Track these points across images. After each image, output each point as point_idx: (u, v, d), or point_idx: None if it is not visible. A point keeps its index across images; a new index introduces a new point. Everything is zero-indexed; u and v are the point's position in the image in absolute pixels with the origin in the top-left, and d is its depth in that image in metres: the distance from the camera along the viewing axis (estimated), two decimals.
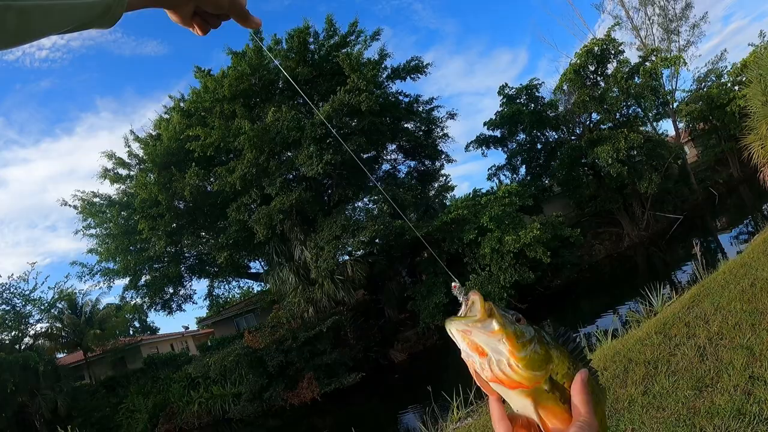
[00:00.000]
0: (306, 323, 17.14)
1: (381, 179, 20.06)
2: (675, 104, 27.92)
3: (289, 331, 17.12)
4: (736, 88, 25.24)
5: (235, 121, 17.88)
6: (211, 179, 18.11)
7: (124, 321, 28.60)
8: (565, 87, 21.73)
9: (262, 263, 21.30)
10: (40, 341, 23.68)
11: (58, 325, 23.92)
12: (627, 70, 21.75)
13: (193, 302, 22.19)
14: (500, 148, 22.82)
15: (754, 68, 11.64)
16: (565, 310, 18.33)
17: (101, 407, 20.78)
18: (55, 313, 23.87)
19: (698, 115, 27.68)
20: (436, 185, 21.80)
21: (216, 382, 18.71)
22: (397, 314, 18.86)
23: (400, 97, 20.58)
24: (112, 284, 21.78)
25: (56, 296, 23.56)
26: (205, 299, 23.43)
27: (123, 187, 20.83)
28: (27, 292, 22.83)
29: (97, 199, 20.89)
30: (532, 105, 21.77)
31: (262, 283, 23.74)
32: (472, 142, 23.13)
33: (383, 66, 19.39)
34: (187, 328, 34.79)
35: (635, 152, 20.95)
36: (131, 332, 35.64)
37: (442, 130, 21.52)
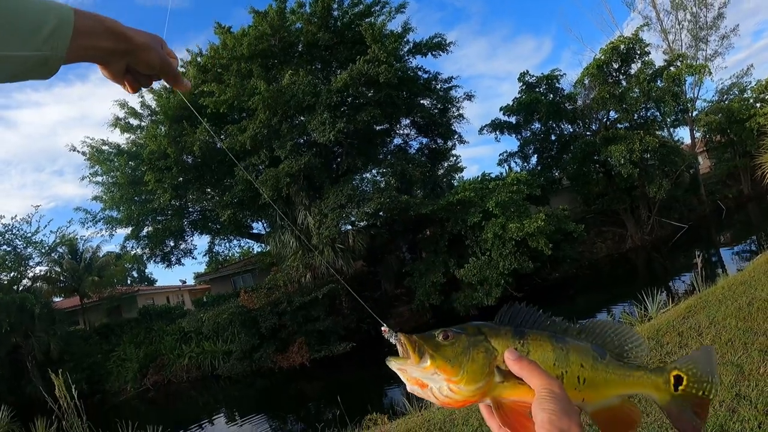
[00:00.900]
0: (302, 288, 17.24)
1: (392, 152, 19.98)
2: (694, 113, 27.60)
3: (285, 295, 17.23)
4: (758, 105, 24.94)
5: (251, 80, 17.73)
6: (222, 136, 18.04)
7: (123, 270, 28.65)
8: (586, 81, 21.44)
9: (265, 224, 21.35)
10: (38, 284, 23.75)
11: (57, 269, 24.06)
12: (650, 72, 21.45)
13: (193, 257, 22.36)
14: (514, 135, 22.67)
15: None
16: (561, 303, 18.37)
17: (93, 353, 20.97)
18: (55, 257, 23.96)
19: (716, 126, 27.33)
20: (445, 164, 21.66)
21: (208, 338, 18.89)
22: (393, 289, 18.93)
23: (419, 73, 20.36)
24: (114, 233, 21.85)
25: (57, 240, 23.62)
26: (204, 255, 23.64)
27: (133, 137, 20.78)
28: (29, 235, 22.80)
29: (106, 147, 20.85)
30: (551, 95, 21.53)
31: (263, 245, 23.75)
32: (486, 125, 23.01)
33: (405, 40, 19.10)
34: (184, 282, 35.07)
35: (649, 155, 20.78)
36: (129, 282, 35.92)
37: (457, 110, 21.36)
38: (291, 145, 17.09)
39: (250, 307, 17.46)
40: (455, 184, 20.43)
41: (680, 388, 0.70)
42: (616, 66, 21.62)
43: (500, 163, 23.67)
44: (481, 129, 23.23)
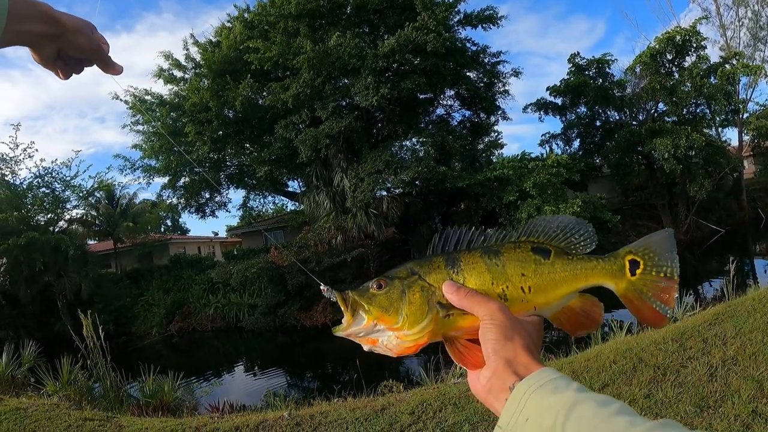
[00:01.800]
0: (332, 250, 17.40)
1: (433, 122, 19.78)
2: (745, 115, 26.49)
3: (315, 255, 17.43)
4: None
5: (297, 39, 17.68)
6: (264, 93, 18.11)
7: (157, 218, 29.08)
8: (637, 69, 20.74)
9: (300, 184, 21.52)
10: (73, 226, 24.42)
11: (94, 213, 24.82)
12: (705, 67, 20.65)
13: (227, 210, 22.68)
14: (558, 117, 22.12)
15: None
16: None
17: (122, 296, 21.62)
18: (92, 201, 24.63)
19: (766, 131, 26.31)
20: (486, 139, 21.29)
21: (235, 290, 19.32)
22: None
23: (468, 45, 19.94)
24: (151, 181, 22.35)
25: (95, 185, 24.13)
26: (238, 209, 23.90)
27: (176, 88, 21.00)
28: (68, 178, 23.19)
29: (148, 97, 21.16)
30: (600, 80, 20.91)
31: (297, 203, 23.95)
32: (531, 104, 22.47)
33: (456, 9, 18.71)
34: (216, 234, 35.63)
35: (693, 153, 20.11)
36: (162, 230, 36.60)
37: (503, 85, 20.85)
38: (333, 106, 17.06)
39: (279, 264, 17.73)
40: (494, 160, 20.18)
41: (637, 272, 0.65)
42: (669, 57, 20.86)
43: (542, 144, 23.27)
44: (526, 107, 22.74)
